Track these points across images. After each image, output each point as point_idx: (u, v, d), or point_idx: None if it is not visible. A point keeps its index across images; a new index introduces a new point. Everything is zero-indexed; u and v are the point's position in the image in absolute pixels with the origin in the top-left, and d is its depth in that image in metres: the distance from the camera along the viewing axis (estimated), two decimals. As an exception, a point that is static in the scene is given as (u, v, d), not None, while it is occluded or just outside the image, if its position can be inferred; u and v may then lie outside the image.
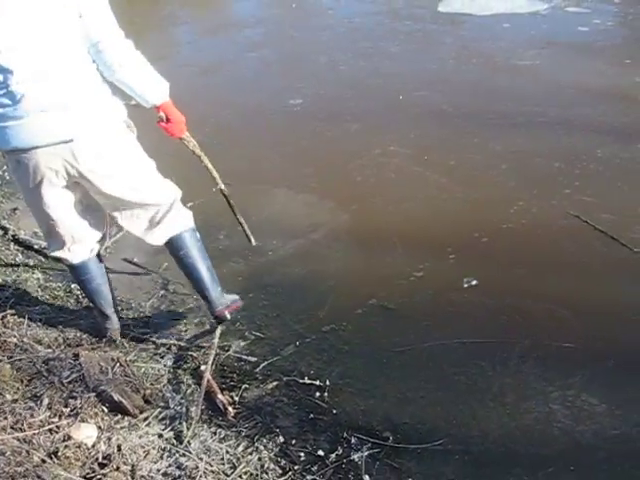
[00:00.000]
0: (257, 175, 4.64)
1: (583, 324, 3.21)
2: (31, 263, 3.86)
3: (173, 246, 3.06)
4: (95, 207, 2.92)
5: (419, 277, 3.59)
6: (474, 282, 3.51)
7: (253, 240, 3.49)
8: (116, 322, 3.21)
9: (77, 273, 3.06)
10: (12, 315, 3.29)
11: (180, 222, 3.05)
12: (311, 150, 4.95)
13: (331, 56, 6.68)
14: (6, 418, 2.59)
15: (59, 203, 2.76)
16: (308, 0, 8.73)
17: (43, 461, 2.43)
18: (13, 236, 4.07)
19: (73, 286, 3.61)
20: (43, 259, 3.90)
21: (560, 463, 2.59)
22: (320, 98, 5.77)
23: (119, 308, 3.35)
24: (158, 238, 3.04)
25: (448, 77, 5.96)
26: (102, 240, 3.07)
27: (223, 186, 3.29)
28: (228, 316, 3.15)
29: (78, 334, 3.23)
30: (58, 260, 3.61)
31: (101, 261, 3.15)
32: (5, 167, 4.81)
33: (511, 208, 4.06)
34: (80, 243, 2.94)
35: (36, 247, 3.99)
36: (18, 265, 3.80)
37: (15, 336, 3.12)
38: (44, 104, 2.52)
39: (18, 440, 2.49)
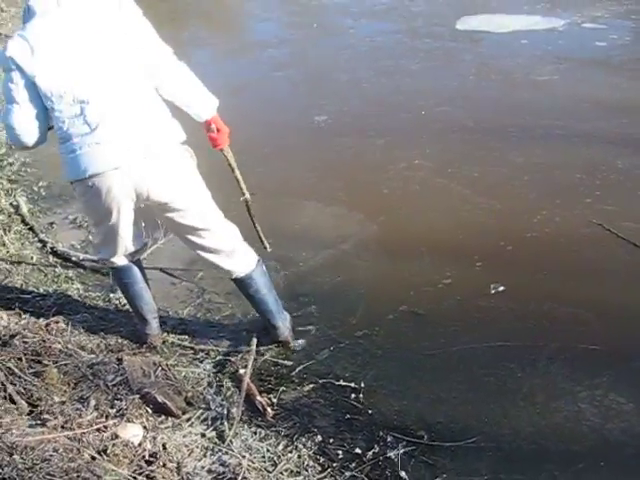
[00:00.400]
0: (286, 189, 4.77)
1: (608, 327, 3.30)
2: (70, 274, 4.00)
3: (243, 284, 3.24)
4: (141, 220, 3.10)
5: (447, 284, 3.69)
6: (501, 288, 3.61)
7: (268, 246, 3.59)
8: (156, 328, 3.36)
9: (121, 276, 3.22)
10: (55, 323, 3.42)
11: (247, 261, 3.22)
12: (338, 164, 5.07)
13: (353, 74, 6.81)
14: (56, 418, 2.71)
15: (126, 221, 2.93)
16: (329, 20, 8.87)
17: (93, 458, 2.54)
18: (51, 248, 4.21)
19: (112, 295, 3.75)
20: (82, 270, 4.04)
21: (590, 459, 2.67)
22: (344, 115, 5.90)
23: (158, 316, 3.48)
24: (232, 270, 3.18)
25: (468, 93, 6.08)
26: (144, 247, 3.23)
27: (249, 196, 3.43)
28: (292, 342, 3.35)
29: (119, 340, 3.37)
30: (96, 271, 3.80)
31: (142, 268, 3.28)
32: (41, 183, 5.02)
33: (534, 218, 4.15)
34: (127, 248, 3.10)
35: (74, 259, 4.13)
36: (59, 276, 3.94)
37: (59, 342, 3.25)
38: (117, 131, 2.71)
39: (69, 439, 2.60)
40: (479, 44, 7.34)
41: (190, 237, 3.07)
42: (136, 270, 3.22)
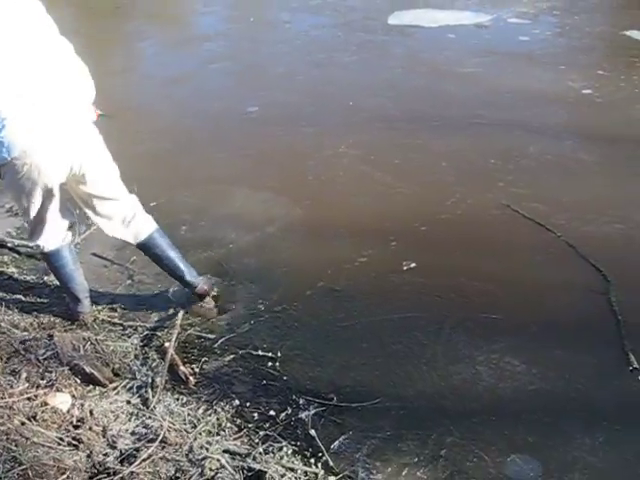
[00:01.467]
0: (217, 176, 4.96)
1: (509, 298, 3.59)
2: (5, 259, 4.15)
3: (147, 246, 3.52)
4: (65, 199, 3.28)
5: (363, 262, 3.94)
6: (413, 265, 3.87)
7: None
8: (88, 306, 3.55)
9: (52, 259, 3.39)
10: (-11, 303, 3.59)
11: (147, 224, 3.49)
12: (268, 153, 5.27)
13: (288, 67, 7.04)
14: (-12, 389, 2.90)
15: (54, 199, 3.13)
16: (267, 15, 9.08)
17: (23, 423, 2.73)
18: (-13, 235, 4.36)
19: (45, 278, 3.91)
20: (17, 255, 4.20)
21: (483, 415, 2.96)
22: (276, 105, 6.11)
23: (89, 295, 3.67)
24: (131, 237, 3.48)
25: (396, 84, 6.35)
26: (71, 229, 3.41)
27: None
28: (210, 291, 3.64)
29: (52, 319, 3.54)
30: (31, 256, 3.96)
31: (72, 250, 3.47)
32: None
33: (448, 200, 4.43)
34: (56, 231, 3.28)
35: (9, 245, 4.27)
36: (-6, 261, 4.10)
37: (-7, 321, 3.43)
38: (50, 108, 2.91)
39: (0, 406, 2.79)
40: (409, 38, 7.62)
41: (97, 204, 3.31)
42: (66, 253, 3.40)
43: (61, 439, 2.70)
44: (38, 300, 3.75)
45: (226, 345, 3.40)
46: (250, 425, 2.93)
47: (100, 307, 3.69)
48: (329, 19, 8.51)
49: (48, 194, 3.08)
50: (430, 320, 3.48)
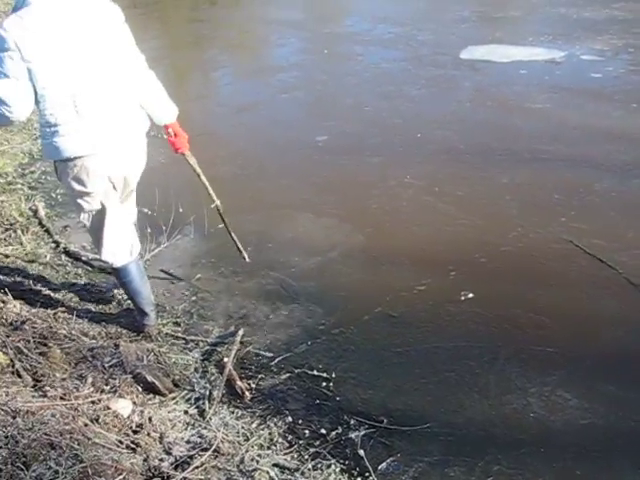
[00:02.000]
0: (283, 201, 5.11)
1: (564, 332, 3.60)
2: (79, 272, 4.36)
3: (130, 272, 3.54)
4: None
5: (421, 290, 4.00)
6: (470, 295, 3.92)
7: (247, 257, 4.13)
8: (153, 319, 3.71)
9: (121, 275, 3.56)
10: (62, 312, 3.78)
11: (137, 250, 3.59)
12: (334, 181, 5.41)
13: (357, 98, 7.18)
14: (56, 390, 3.05)
15: (116, 206, 3.33)
16: (339, 47, 9.26)
17: (86, 425, 2.87)
18: (64, 249, 4.58)
19: (115, 291, 4.09)
20: (90, 269, 4.40)
21: (532, 446, 2.99)
22: (344, 135, 6.25)
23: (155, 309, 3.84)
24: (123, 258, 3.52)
25: (464, 117, 6.42)
26: (136, 247, 3.58)
27: (219, 203, 3.94)
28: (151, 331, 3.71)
29: (119, 329, 3.71)
30: (103, 270, 4.16)
31: (139, 266, 3.64)
32: (59, 190, 5.40)
33: (510, 233, 4.46)
34: (122, 249, 3.46)
35: (84, 259, 4.49)
36: (68, 273, 4.31)
37: (64, 329, 3.61)
38: (100, 121, 3.08)
39: (66, 407, 2.94)
40: (480, 72, 7.68)
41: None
42: (134, 268, 3.54)
43: (120, 442, 2.83)
44: (107, 311, 3.93)
45: (283, 364, 3.51)
46: (301, 441, 3.03)
47: (165, 321, 3.85)
48: (400, 53, 8.66)
49: (97, 200, 3.26)
50: (484, 350, 3.53)
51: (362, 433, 3.06)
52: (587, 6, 10.10)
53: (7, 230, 4.72)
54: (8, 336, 3.40)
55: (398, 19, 10.25)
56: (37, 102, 2.99)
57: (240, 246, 4.08)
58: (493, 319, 3.74)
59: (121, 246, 3.46)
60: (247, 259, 4.12)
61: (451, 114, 6.52)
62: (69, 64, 2.94)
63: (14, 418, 2.76)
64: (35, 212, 5.06)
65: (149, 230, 4.69)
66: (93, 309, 3.93)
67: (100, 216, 3.32)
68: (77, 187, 3.19)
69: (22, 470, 2.48)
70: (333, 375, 3.41)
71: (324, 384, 3.36)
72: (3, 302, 3.74)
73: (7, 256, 4.41)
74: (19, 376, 3.16)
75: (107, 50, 3.05)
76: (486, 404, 3.20)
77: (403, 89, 7.30)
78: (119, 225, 3.41)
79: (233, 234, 4.05)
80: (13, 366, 3.21)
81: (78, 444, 2.68)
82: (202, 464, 2.76)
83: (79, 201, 3.28)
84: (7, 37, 2.81)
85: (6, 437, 2.63)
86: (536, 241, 4.39)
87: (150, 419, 3.04)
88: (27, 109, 2.98)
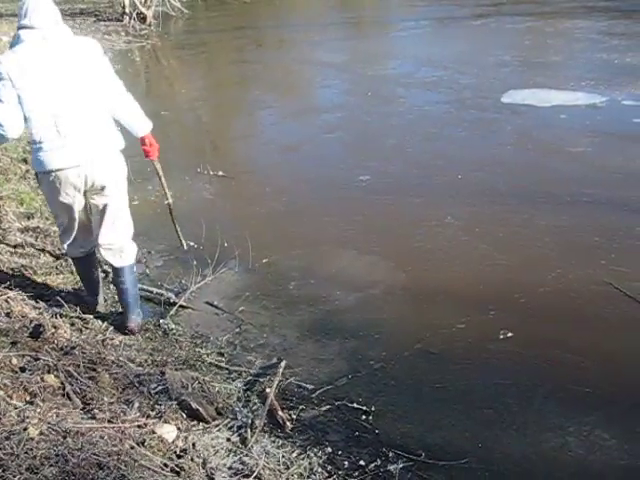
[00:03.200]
0: (326, 238, 5.24)
1: (603, 373, 3.62)
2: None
3: (123, 272, 4.07)
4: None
5: (461, 328, 4.06)
6: (509, 334, 3.96)
7: (185, 245, 4.60)
8: (101, 301, 4.32)
9: (78, 264, 4.22)
10: (111, 339, 3.92)
11: (132, 256, 4.10)
12: (376, 219, 5.52)
13: (399, 139, 7.33)
14: (104, 414, 3.16)
15: (76, 208, 3.82)
16: (382, 89, 9.44)
17: (132, 447, 2.97)
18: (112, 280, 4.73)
19: (162, 321, 4.23)
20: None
21: (570, 485, 3.01)
22: (387, 175, 6.37)
23: (198, 341, 3.98)
24: (119, 261, 4.05)
25: (505, 160, 6.51)
26: (92, 243, 4.08)
27: (171, 201, 4.44)
28: (136, 330, 4.12)
29: (164, 358, 3.82)
30: (149, 300, 4.30)
31: (95, 258, 4.24)
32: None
33: (549, 274, 4.50)
34: (82, 242, 4.02)
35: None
36: (117, 302, 4.44)
37: (113, 355, 3.73)
38: (77, 139, 3.61)
39: (114, 430, 3.05)
40: (521, 116, 7.78)
41: (104, 219, 3.91)
42: (90, 261, 4.20)
43: (165, 465, 2.92)
44: (153, 340, 4.05)
45: (323, 396, 3.58)
46: (340, 472, 3.08)
47: (209, 351, 3.96)
48: (443, 96, 8.80)
49: (70, 206, 3.79)
50: (522, 388, 3.56)
51: (400, 466, 3.11)
52: (628, 52, 10.18)
53: (58, 259, 4.89)
54: (59, 360, 3.54)
55: (440, 62, 10.44)
56: (25, 122, 3.57)
57: (181, 237, 4.53)
58: (531, 358, 3.78)
59: (82, 243, 4.03)
60: (185, 247, 4.59)
61: (492, 157, 6.62)
62: (51, 91, 3.53)
63: (64, 438, 2.88)
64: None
65: (195, 263, 4.83)
66: (140, 337, 4.06)
67: (69, 216, 3.87)
68: (53, 194, 3.75)
69: (72, 488, 2.60)
70: (373, 408, 3.47)
71: (364, 417, 3.43)
72: (55, 327, 3.88)
73: (58, 284, 4.57)
74: (69, 398, 3.29)
75: (85, 79, 3.63)
76: (524, 442, 3.23)
77: (445, 131, 7.43)
78: (84, 224, 3.97)
79: (178, 228, 4.50)
80: (64, 389, 3.34)
81: (125, 465, 2.78)
82: (244, 490, 2.85)
83: (54, 205, 3.86)
84: (1, 69, 3.46)
85: (57, 455, 2.75)
86: (575, 283, 4.42)
87: (194, 445, 3.13)
88: (17, 129, 3.58)
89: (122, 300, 4.13)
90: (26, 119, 3.55)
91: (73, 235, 3.98)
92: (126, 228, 4.04)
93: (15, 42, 3.61)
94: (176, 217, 4.47)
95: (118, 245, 4.00)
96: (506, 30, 13.02)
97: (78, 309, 4.21)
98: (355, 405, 3.50)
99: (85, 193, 3.80)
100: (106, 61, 3.77)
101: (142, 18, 17.07)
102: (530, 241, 4.99)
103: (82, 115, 3.62)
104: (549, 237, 5.01)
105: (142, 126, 3.96)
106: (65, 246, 4.09)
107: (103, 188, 3.79)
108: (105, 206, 3.87)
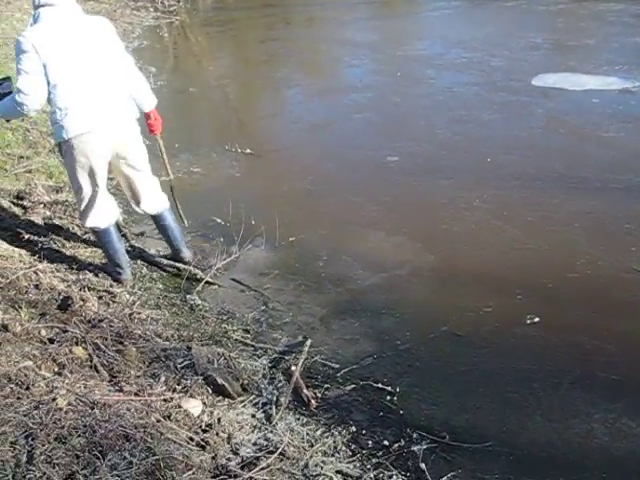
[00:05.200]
0: (354, 218, 5.22)
1: (631, 361, 3.59)
2: (154, 276, 4.53)
3: (160, 217, 4.49)
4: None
5: (488, 312, 4.04)
6: (536, 319, 3.94)
7: (186, 222, 4.90)
8: (129, 274, 4.41)
9: (101, 236, 4.31)
10: (138, 314, 3.94)
11: (163, 202, 4.48)
12: (403, 200, 5.49)
13: (428, 120, 7.26)
14: (131, 387, 3.20)
15: (99, 174, 4.03)
16: (412, 70, 9.34)
17: (158, 420, 3.00)
18: (140, 253, 4.76)
19: (188, 297, 4.26)
20: (164, 274, 4.57)
21: (594, 471, 3.00)
22: (415, 157, 6.33)
23: (224, 317, 4.01)
24: (153, 208, 4.44)
25: (535, 144, 6.42)
26: (114, 213, 4.40)
27: (172, 177, 4.74)
28: (191, 261, 4.59)
29: (191, 333, 3.85)
30: (176, 275, 4.32)
31: (117, 229, 4.44)
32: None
33: (578, 260, 4.45)
34: (106, 212, 4.23)
35: (158, 264, 4.66)
36: (144, 276, 4.48)
37: (139, 329, 3.76)
38: (96, 107, 3.87)
39: (140, 403, 3.08)
40: (552, 100, 7.66)
41: (133, 177, 4.24)
42: (113, 231, 4.32)
43: (191, 439, 2.95)
44: (179, 315, 4.09)
45: (348, 375, 3.59)
46: (364, 451, 3.10)
47: (235, 327, 3.98)
48: (473, 77, 8.70)
49: (94, 173, 4.00)
50: (549, 374, 3.54)
51: (424, 447, 3.12)
52: (664, 36, 10.01)
53: (86, 233, 4.92)
54: (87, 332, 3.58)
55: (471, 44, 10.31)
56: (49, 93, 3.79)
57: (182, 214, 4.83)
58: (558, 344, 3.75)
59: (106, 212, 4.23)
60: (186, 224, 4.90)
61: (522, 140, 6.53)
62: (74, 61, 3.80)
63: (92, 409, 2.92)
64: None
65: (221, 239, 4.85)
66: (166, 312, 4.08)
67: (93, 183, 4.06)
68: (77, 162, 3.95)
69: (98, 458, 2.62)
70: (397, 389, 3.47)
71: (388, 397, 3.43)
72: (83, 300, 3.92)
73: (86, 257, 4.61)
74: (97, 371, 3.33)
75: (102, 52, 3.92)
76: (549, 427, 3.22)
77: (475, 113, 7.35)
78: (105, 195, 4.22)
79: (179, 204, 4.79)
80: (91, 361, 3.38)
81: (151, 438, 2.81)
82: (268, 466, 2.87)
83: (78, 175, 4.01)
84: (26, 42, 3.70)
85: (84, 426, 2.78)
86: (604, 269, 4.37)
87: (219, 420, 3.15)
88: (41, 99, 3.81)
89: (172, 239, 4.56)
90: (50, 89, 3.77)
91: (97, 204, 4.15)
92: (154, 181, 4.40)
93: (35, 19, 3.85)
94: (177, 195, 4.76)
95: (153, 194, 4.37)
96: (538, 12, 12.80)
97: (106, 283, 4.25)
98: (380, 385, 3.50)
99: (110, 163, 4.08)
100: (117, 38, 4.06)
101: (171, -6, 17.03)
102: (559, 226, 4.93)
103: (102, 84, 3.89)
104: (579, 222, 4.95)
105: (149, 101, 4.24)
106: (88, 220, 4.21)
107: (130, 151, 4.09)
108: (135, 166, 4.17)
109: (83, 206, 4.16)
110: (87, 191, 4.08)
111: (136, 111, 4.14)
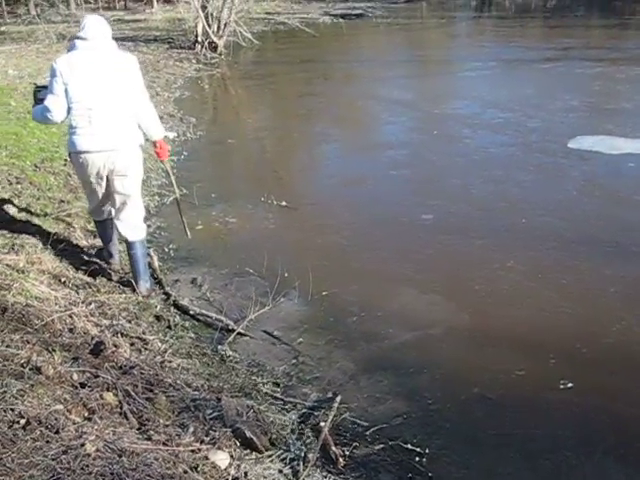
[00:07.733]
0: (387, 275, 5.22)
1: (668, 431, 3.52)
2: (186, 325, 4.55)
3: (132, 246, 4.81)
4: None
5: (520, 375, 3.98)
6: (570, 384, 3.88)
7: (189, 234, 5.44)
8: (118, 260, 5.20)
9: (100, 226, 5.05)
10: (169, 362, 3.96)
11: (141, 233, 4.85)
12: (437, 259, 5.49)
13: (464, 180, 7.29)
14: (160, 435, 3.19)
15: (99, 185, 4.66)
16: (448, 129, 9.43)
17: (185, 472, 2.99)
18: (174, 301, 4.80)
19: (219, 347, 4.26)
20: (196, 322, 4.59)
21: None
22: (450, 215, 6.34)
23: (255, 369, 4.00)
24: (127, 234, 4.80)
25: (571, 206, 6.41)
26: (109, 211, 4.94)
27: (179, 195, 5.45)
28: (145, 295, 4.84)
29: (221, 384, 3.84)
30: (209, 325, 4.34)
31: (112, 223, 4.95)
32: (171, 245, 5.70)
33: (614, 326, 4.40)
34: (103, 209, 4.92)
35: (191, 313, 4.69)
36: (177, 325, 4.51)
37: (170, 378, 3.77)
38: (105, 130, 4.44)
39: (168, 453, 3.07)
40: (588, 163, 7.66)
41: (120, 199, 4.69)
42: (109, 223, 4.98)
43: (218, 493, 2.93)
44: (210, 366, 4.08)
45: (378, 434, 3.55)
46: (391, 513, 3.05)
47: (265, 380, 3.97)
48: (509, 138, 8.75)
49: (91, 183, 4.63)
50: (582, 442, 3.47)
51: (453, 512, 3.07)
52: (701, 102, 10.00)
53: (122, 278, 4.99)
54: (118, 378, 3.59)
55: (507, 105, 10.41)
56: (69, 109, 4.42)
57: (186, 227, 5.38)
58: (592, 410, 3.68)
59: (105, 210, 4.91)
60: (189, 236, 5.45)
61: (558, 202, 6.52)
62: (90, 89, 4.40)
63: (120, 457, 2.91)
64: (149, 264, 5.31)
65: (254, 290, 4.87)
66: (197, 362, 4.09)
67: (93, 190, 4.71)
68: (81, 172, 4.62)
69: (125, 507, 2.61)
70: (427, 450, 3.42)
71: (417, 459, 3.38)
72: (115, 346, 3.94)
73: (120, 303, 4.65)
74: (126, 418, 3.32)
75: (119, 84, 4.47)
76: (582, 497, 3.16)
77: (510, 174, 7.37)
78: (105, 197, 4.76)
79: (184, 218, 5.37)
80: (121, 407, 3.38)
81: (179, 490, 2.80)
82: (294, 523, 2.83)
83: (82, 180, 4.77)
84: (57, 68, 4.39)
85: (112, 474, 2.78)
86: (640, 336, 4.32)
87: (246, 474, 3.13)
88: (62, 115, 4.47)
89: (135, 269, 4.87)
90: (69, 109, 4.41)
91: (96, 203, 4.84)
92: (138, 209, 4.83)
93: (70, 48, 4.54)
94: (183, 210, 5.42)
95: (131, 222, 4.80)
96: (575, 75, 12.91)
97: (139, 329, 4.29)
98: (409, 446, 3.45)
99: (107, 177, 4.57)
100: (139, 74, 4.59)
101: (213, 47, 17.49)
102: (595, 290, 4.89)
103: (111, 111, 4.45)
104: (614, 287, 4.90)
105: (157, 132, 4.82)
106: (91, 212, 5.02)
107: (122, 173, 4.56)
108: (122, 187, 4.63)
109: (88, 200, 4.95)
110: (88, 192, 4.81)
111: (141, 139, 4.67)
